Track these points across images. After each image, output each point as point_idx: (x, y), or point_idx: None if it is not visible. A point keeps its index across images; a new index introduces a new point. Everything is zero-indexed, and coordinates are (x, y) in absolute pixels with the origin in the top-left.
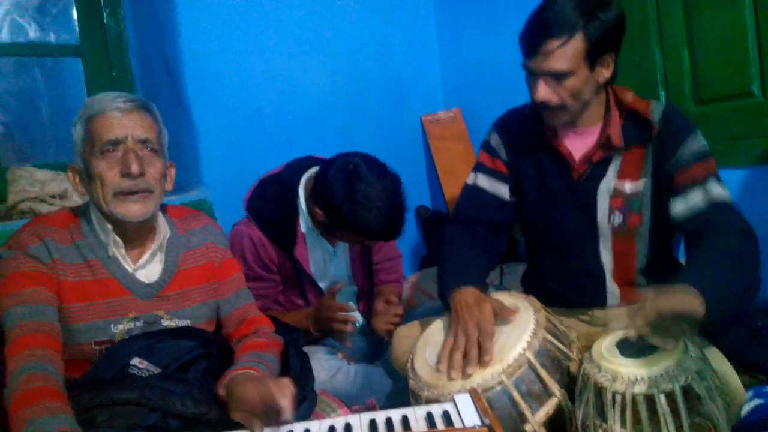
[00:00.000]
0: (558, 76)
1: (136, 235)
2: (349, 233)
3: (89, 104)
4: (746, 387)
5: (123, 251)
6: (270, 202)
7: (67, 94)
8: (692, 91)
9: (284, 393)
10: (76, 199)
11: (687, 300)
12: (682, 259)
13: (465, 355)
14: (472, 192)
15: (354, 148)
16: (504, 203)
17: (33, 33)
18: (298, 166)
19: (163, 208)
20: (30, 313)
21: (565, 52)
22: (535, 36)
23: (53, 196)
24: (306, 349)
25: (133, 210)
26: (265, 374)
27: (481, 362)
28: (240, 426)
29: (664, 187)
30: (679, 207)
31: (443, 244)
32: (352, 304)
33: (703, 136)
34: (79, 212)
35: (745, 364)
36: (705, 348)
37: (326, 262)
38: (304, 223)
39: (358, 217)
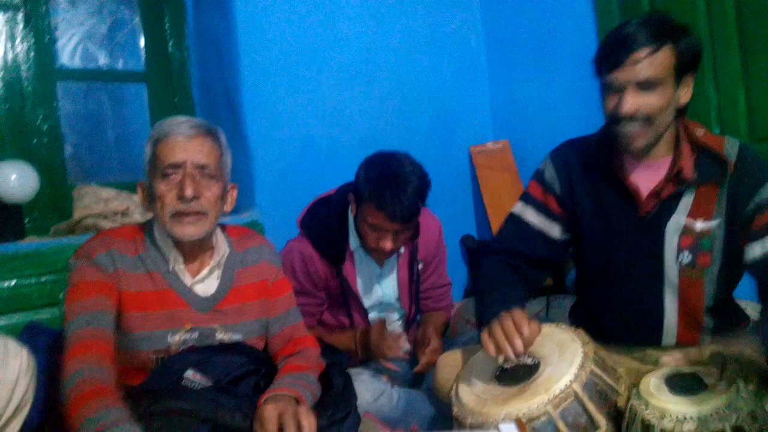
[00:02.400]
0: (647, 85)
1: (195, 251)
2: (364, 211)
3: (158, 127)
4: None
5: (182, 266)
6: (322, 220)
7: (131, 118)
8: (748, 130)
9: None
10: (137, 217)
11: (749, 349)
12: (738, 299)
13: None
14: (517, 223)
15: None
16: (551, 241)
17: (102, 60)
18: (350, 189)
19: (223, 227)
20: (89, 320)
21: (655, 60)
22: (623, 46)
23: (116, 213)
24: (350, 371)
25: (186, 231)
26: (301, 395)
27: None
28: None
29: (738, 229)
30: (755, 251)
31: (481, 274)
32: (404, 337)
33: None
34: (144, 227)
35: None
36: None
37: (373, 282)
38: (353, 241)
39: (373, 185)
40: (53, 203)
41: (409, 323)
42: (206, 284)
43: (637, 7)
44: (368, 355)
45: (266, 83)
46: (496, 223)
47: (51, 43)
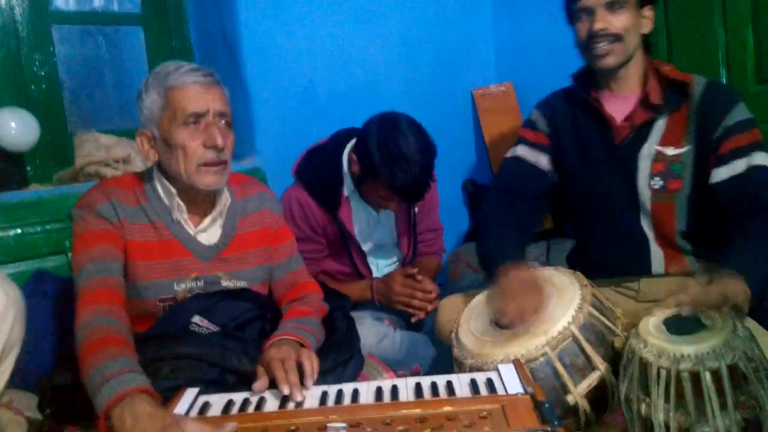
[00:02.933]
0: (613, 5)
1: (201, 200)
2: (374, 183)
3: (165, 74)
4: None
5: (185, 215)
6: (316, 167)
7: (128, 62)
8: (755, 70)
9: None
10: (138, 164)
11: (732, 290)
12: None
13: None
14: (511, 163)
15: None
16: (543, 173)
17: (98, 2)
18: (344, 136)
19: None
20: (98, 269)
21: None
22: None
23: (117, 161)
24: (353, 314)
25: (213, 180)
26: (305, 339)
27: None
28: None
29: (707, 156)
30: (721, 174)
31: (482, 215)
32: (436, 287)
33: (765, 116)
34: (144, 176)
35: None
36: (754, 327)
37: (370, 226)
38: (347, 188)
39: (385, 165)
40: (54, 150)
41: (406, 265)
42: (209, 233)
43: None
44: (387, 304)
45: (265, 26)
46: (497, 167)
47: None
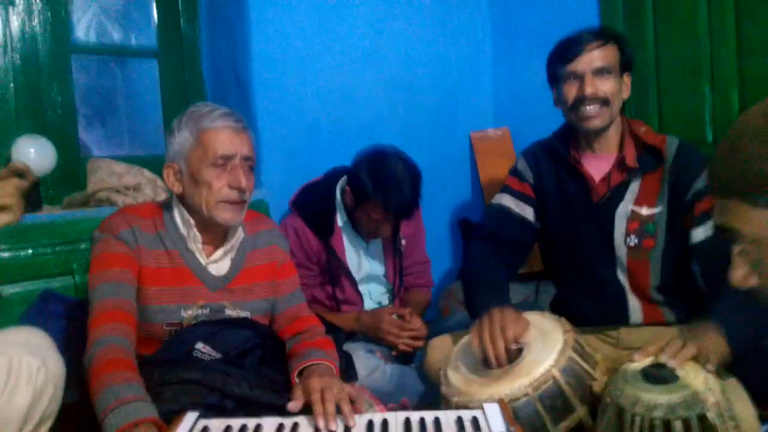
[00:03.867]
0: (601, 72)
1: (215, 233)
2: (367, 208)
3: (199, 116)
4: (763, 420)
5: (200, 246)
6: (312, 199)
7: (142, 93)
8: None
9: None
10: (147, 192)
11: (706, 346)
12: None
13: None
14: (497, 211)
15: None
16: (528, 223)
17: (116, 35)
18: (337, 173)
19: None
20: (113, 291)
21: (606, 51)
22: (579, 41)
23: (128, 188)
24: (346, 346)
25: (231, 216)
26: (336, 368)
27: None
28: (285, 410)
29: (681, 216)
30: (698, 236)
31: (469, 258)
32: (424, 327)
33: None
34: (164, 206)
35: (764, 397)
36: (726, 379)
37: (360, 256)
38: (340, 218)
39: (379, 189)
40: (66, 174)
41: (394, 297)
42: (220, 264)
43: (640, 3)
44: (370, 337)
45: (276, 64)
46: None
47: (67, 18)
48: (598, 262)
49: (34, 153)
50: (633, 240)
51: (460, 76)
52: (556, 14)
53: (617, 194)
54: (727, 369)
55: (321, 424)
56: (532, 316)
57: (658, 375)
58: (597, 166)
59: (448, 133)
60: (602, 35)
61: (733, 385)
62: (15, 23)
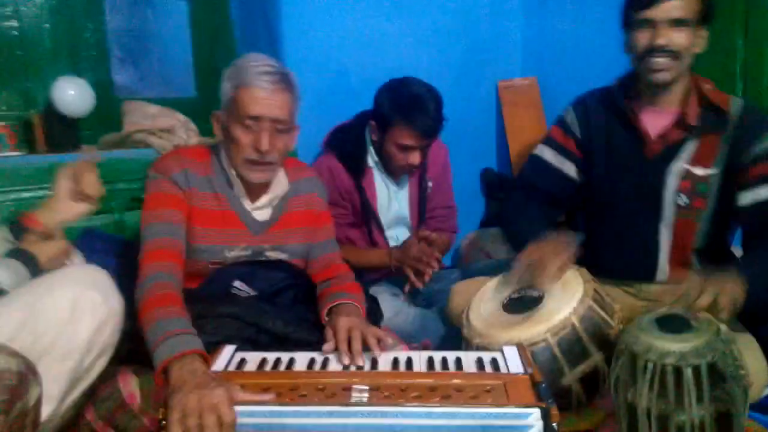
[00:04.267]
0: (678, 23)
1: (257, 185)
2: (394, 135)
3: (240, 69)
4: None
5: (244, 193)
6: (343, 139)
7: (173, 35)
8: None
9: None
10: (181, 134)
11: (730, 288)
12: (735, 248)
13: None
14: (537, 163)
15: None
16: (566, 178)
17: None
18: (366, 114)
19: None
20: (164, 230)
21: (686, 2)
22: None
23: (162, 130)
24: (373, 289)
25: (255, 176)
26: (363, 307)
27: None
28: (316, 346)
29: (734, 179)
30: (747, 198)
31: (509, 205)
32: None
33: None
34: (213, 151)
35: None
36: (740, 332)
37: (389, 197)
38: (371, 158)
39: (402, 110)
40: (101, 115)
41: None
42: (263, 211)
43: None
44: (402, 268)
45: (305, 8)
46: (516, 159)
47: None
48: (639, 218)
49: (74, 94)
50: (683, 199)
51: (490, 24)
52: None
53: (672, 152)
54: (744, 324)
55: (347, 360)
56: None
57: (671, 324)
58: (655, 120)
59: (474, 81)
60: None
61: (748, 339)
62: None
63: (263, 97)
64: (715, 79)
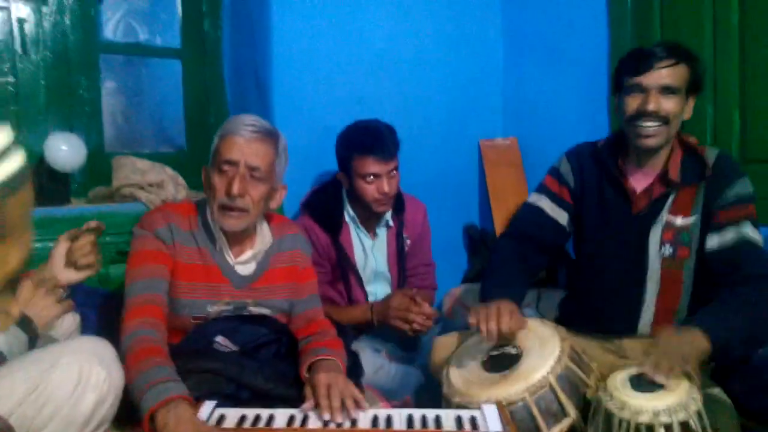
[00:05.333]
0: (668, 90)
1: (238, 237)
2: (356, 168)
3: (227, 123)
4: (746, 430)
5: (227, 247)
6: (319, 196)
7: (165, 92)
8: (740, 150)
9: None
10: (170, 189)
11: (694, 345)
12: None
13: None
14: (532, 210)
15: (414, 163)
16: (561, 228)
17: (142, 35)
18: None
19: (268, 217)
20: (148, 286)
21: (677, 71)
22: (652, 55)
23: (151, 185)
24: (354, 346)
25: (228, 223)
26: (343, 364)
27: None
28: (296, 402)
29: (708, 223)
30: (713, 241)
31: (493, 253)
32: (435, 309)
33: None
34: (198, 206)
35: (744, 410)
36: (710, 389)
37: (366, 253)
38: (347, 214)
39: (354, 137)
40: (93, 169)
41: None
42: (246, 265)
43: (648, 19)
44: (384, 323)
45: (294, 68)
46: (498, 215)
47: (96, 17)
48: (625, 273)
49: (66, 149)
50: (668, 249)
51: (472, 85)
52: (566, 28)
53: (656, 206)
54: (713, 380)
55: (327, 417)
56: (532, 322)
57: (646, 383)
58: (640, 179)
59: (457, 140)
60: (676, 53)
61: (717, 395)
62: (47, 21)
63: (239, 143)
64: None
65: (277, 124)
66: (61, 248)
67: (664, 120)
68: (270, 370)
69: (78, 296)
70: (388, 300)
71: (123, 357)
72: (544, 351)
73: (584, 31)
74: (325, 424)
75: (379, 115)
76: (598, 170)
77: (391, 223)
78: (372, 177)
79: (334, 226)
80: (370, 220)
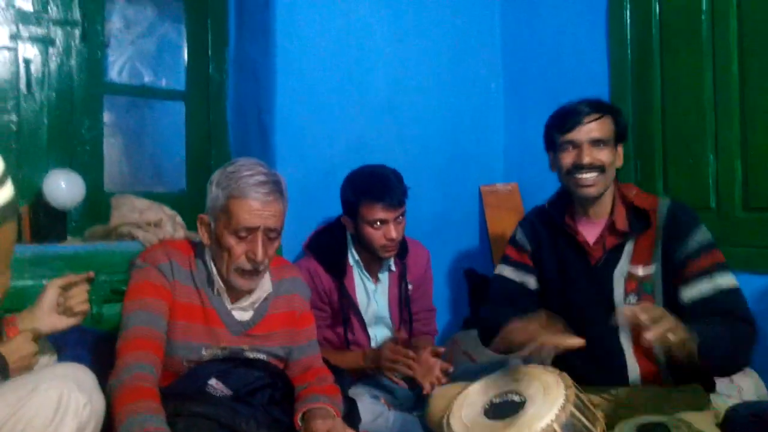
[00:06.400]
0: (598, 143)
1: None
2: (362, 214)
3: (234, 178)
4: None
5: (225, 291)
6: (324, 238)
7: (168, 133)
8: (742, 198)
9: None
10: (168, 228)
11: (684, 332)
12: None
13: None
14: (500, 281)
15: (416, 207)
16: (530, 291)
17: (147, 77)
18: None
19: None
20: (146, 320)
21: (603, 123)
22: (578, 113)
23: (149, 224)
24: (353, 391)
25: (246, 285)
26: (339, 413)
27: None
28: None
29: (673, 274)
30: (688, 294)
31: (482, 320)
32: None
33: (749, 241)
34: (197, 247)
35: None
36: None
37: (368, 297)
38: (351, 257)
39: (361, 184)
40: (91, 208)
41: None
42: (244, 311)
43: (649, 71)
44: (377, 371)
45: (297, 111)
46: (498, 260)
47: (102, 59)
48: (598, 324)
49: (65, 186)
50: (632, 300)
51: (473, 130)
52: (567, 75)
53: (613, 256)
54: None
55: None
56: (535, 369)
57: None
58: (591, 230)
59: (458, 185)
60: (599, 108)
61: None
62: (53, 62)
63: (257, 209)
64: (689, 191)
65: (279, 166)
66: (51, 295)
67: (600, 169)
68: (263, 415)
69: (69, 334)
70: (380, 349)
71: (114, 390)
72: (547, 398)
73: (585, 80)
74: None
75: (380, 160)
76: (549, 230)
77: (393, 267)
78: (379, 223)
79: (339, 270)
80: (373, 264)
